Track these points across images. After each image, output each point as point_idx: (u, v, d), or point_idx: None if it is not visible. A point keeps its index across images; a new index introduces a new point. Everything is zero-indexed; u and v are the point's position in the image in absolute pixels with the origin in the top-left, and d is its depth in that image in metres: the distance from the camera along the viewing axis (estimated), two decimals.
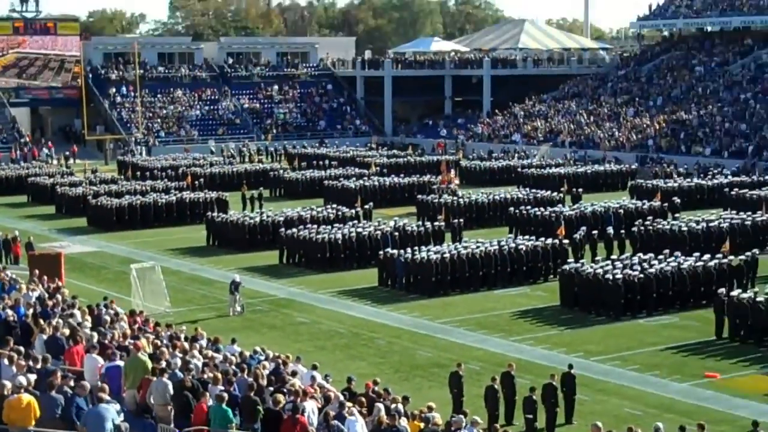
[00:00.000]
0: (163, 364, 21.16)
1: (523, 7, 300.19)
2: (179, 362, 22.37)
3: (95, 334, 24.25)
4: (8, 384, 17.75)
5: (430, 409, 21.30)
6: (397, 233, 46.51)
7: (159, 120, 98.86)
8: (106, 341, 23.64)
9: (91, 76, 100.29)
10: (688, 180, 65.59)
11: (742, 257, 39.70)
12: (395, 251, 42.18)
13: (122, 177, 73.08)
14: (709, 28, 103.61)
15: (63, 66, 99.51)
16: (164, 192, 61.58)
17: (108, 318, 27.56)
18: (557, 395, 25.31)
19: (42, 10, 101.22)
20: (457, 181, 66.66)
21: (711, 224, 47.04)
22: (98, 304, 29.99)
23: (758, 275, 39.98)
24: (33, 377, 18.78)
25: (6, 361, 19.92)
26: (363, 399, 22.00)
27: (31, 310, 26.89)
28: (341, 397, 21.05)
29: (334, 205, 55.60)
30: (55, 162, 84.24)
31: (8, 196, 69.50)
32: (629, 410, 26.09)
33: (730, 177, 66.48)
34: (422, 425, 20.13)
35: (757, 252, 41.37)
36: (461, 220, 51.49)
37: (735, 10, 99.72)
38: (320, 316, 37.30)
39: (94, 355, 21.80)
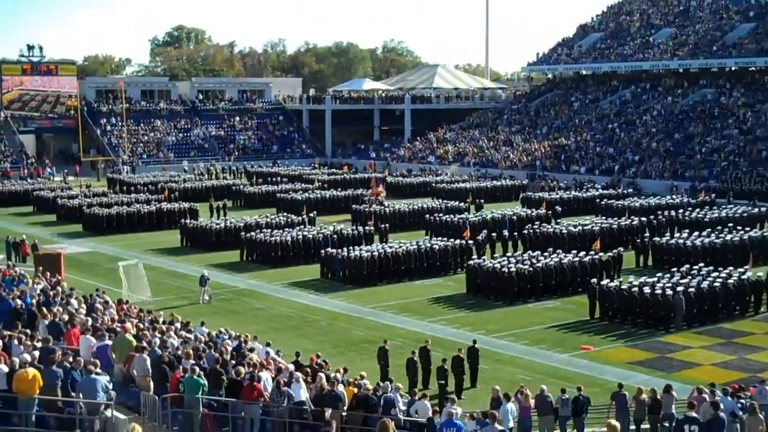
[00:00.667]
0: (144, 343, 21.04)
1: (436, 54, 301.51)
2: (158, 341, 22.25)
3: (89, 319, 24.10)
4: (17, 360, 17.61)
5: (362, 377, 21.36)
6: (335, 236, 46.53)
7: (141, 145, 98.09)
8: (98, 324, 23.44)
9: (86, 108, 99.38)
10: (568, 192, 66.23)
11: (610, 254, 40.23)
12: (334, 250, 42.24)
13: (111, 191, 72.47)
14: (584, 72, 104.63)
15: (58, 100, 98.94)
16: (146, 203, 61.14)
17: (99, 306, 27.31)
18: (464, 365, 25.51)
19: (45, 55, 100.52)
20: (384, 194, 66.76)
21: (585, 227, 47.55)
22: (91, 294, 29.79)
23: (622, 268, 40.49)
24: (37, 354, 18.59)
25: (16, 342, 19.80)
26: (308, 369, 21.97)
27: (35, 300, 26.58)
28: (291, 368, 21.02)
29: (285, 214, 55.54)
30: (56, 179, 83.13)
31: (17, 206, 68.59)
32: (521, 376, 26.30)
33: (600, 190, 67.25)
34: (356, 390, 20.13)
35: (622, 249, 42.02)
36: (387, 225, 51.59)
37: (604, 57, 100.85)
38: (273, 303, 37.20)
39: (88, 336, 21.65)
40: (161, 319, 26.53)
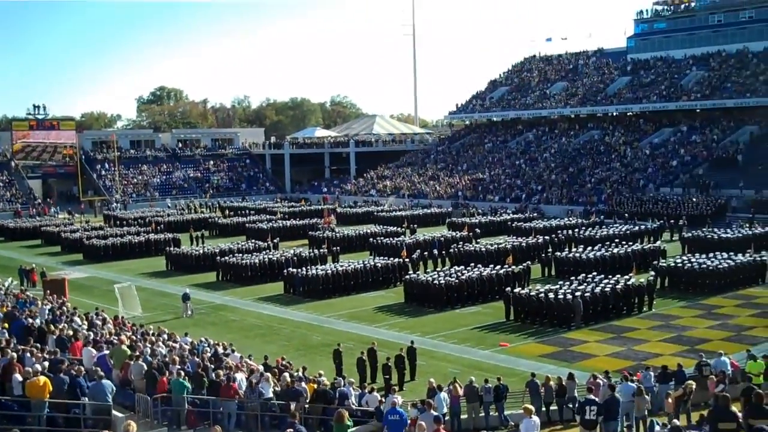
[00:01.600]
0: (138, 352, 20.75)
1: (374, 105, 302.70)
2: (149, 350, 21.94)
3: (90, 333, 23.70)
4: (30, 369, 17.33)
5: (320, 375, 21.26)
6: (295, 258, 46.27)
7: (131, 186, 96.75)
8: (98, 338, 23.07)
9: (84, 156, 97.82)
10: (485, 217, 66.69)
11: (521, 266, 40.45)
12: (295, 269, 41.96)
13: (107, 225, 71.28)
14: (495, 119, 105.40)
15: (56, 150, 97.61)
16: (136, 234, 60.27)
17: (98, 322, 26.93)
18: (404, 362, 25.41)
19: (49, 113, 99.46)
20: (334, 222, 66.67)
21: (500, 245, 47.87)
22: (91, 312, 29.30)
23: (531, 278, 40.76)
24: (47, 364, 18.26)
25: (28, 354, 19.43)
26: (275, 370, 21.81)
27: (44, 318, 26.10)
28: (261, 369, 20.85)
29: (253, 240, 55.16)
30: (60, 216, 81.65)
31: (27, 240, 67.24)
32: (452, 369, 26.19)
33: (511, 214, 67.86)
34: (316, 386, 20.01)
35: (530, 263, 42.27)
36: (338, 247, 51.51)
37: (511, 107, 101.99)
38: (245, 315, 36.78)
39: (89, 347, 21.29)
40: (151, 332, 26.19)
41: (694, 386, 19.93)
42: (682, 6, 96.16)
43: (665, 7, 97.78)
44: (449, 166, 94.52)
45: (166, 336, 25.57)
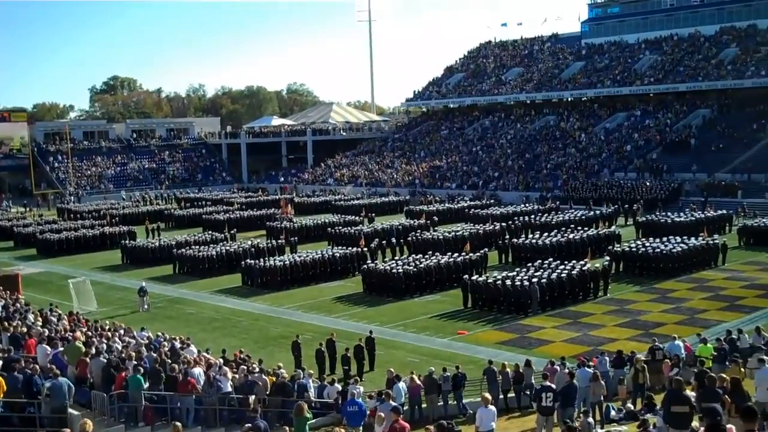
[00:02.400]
0: (93, 349, 20.55)
1: (331, 93, 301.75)
2: (105, 346, 21.74)
3: (45, 330, 23.39)
4: None
5: (279, 367, 21.24)
6: (253, 248, 46.06)
7: (85, 178, 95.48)
8: (52, 334, 22.79)
9: (36, 149, 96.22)
10: (442, 205, 66.92)
11: (478, 254, 40.64)
12: (252, 261, 41.78)
13: (60, 219, 70.25)
14: (452, 105, 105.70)
15: (2, 143, 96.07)
16: (90, 228, 59.36)
17: (53, 318, 26.60)
18: (363, 352, 25.47)
19: None
20: (292, 212, 66.44)
21: (457, 233, 48.07)
22: (46, 308, 28.93)
23: (488, 265, 40.98)
24: (0, 363, 18.01)
25: None
26: (233, 363, 21.76)
27: None
28: (219, 363, 20.77)
29: (210, 232, 54.76)
30: (12, 210, 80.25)
31: None
32: (411, 359, 26.37)
33: (468, 201, 68.13)
34: (275, 378, 20.01)
35: (487, 250, 42.50)
36: (296, 238, 51.34)
37: (467, 93, 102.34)
38: (202, 308, 36.50)
39: (44, 345, 21.03)
40: (107, 327, 25.95)
41: (643, 363, 20.29)
42: None
43: None
44: (406, 153, 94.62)
45: (122, 331, 25.35)
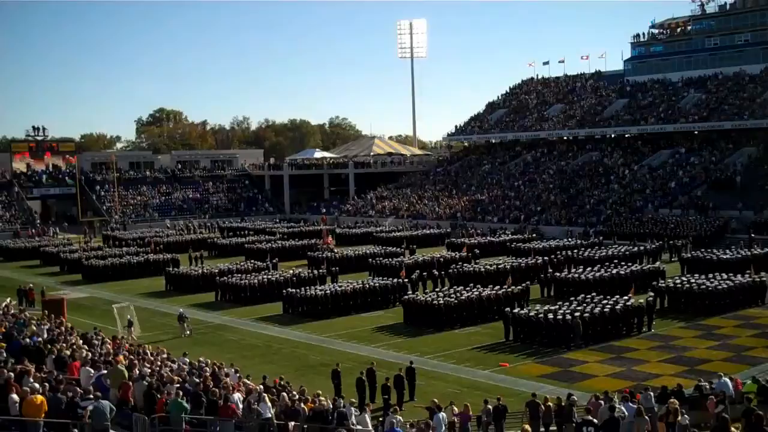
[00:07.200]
0: (136, 372, 20.59)
1: (373, 127, 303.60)
2: (147, 370, 21.76)
3: (88, 353, 23.49)
4: (28, 389, 17.16)
5: (318, 395, 21.04)
6: (294, 278, 46.13)
7: (131, 207, 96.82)
8: (96, 357, 22.88)
9: (83, 178, 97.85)
10: (484, 238, 66.61)
11: (520, 287, 40.25)
12: (294, 289, 41.81)
13: (106, 245, 71.24)
14: (493, 140, 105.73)
15: (55, 172, 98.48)
16: (135, 255, 60.21)
17: (97, 342, 26.73)
18: (403, 382, 25.21)
19: (48, 134, 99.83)
20: (333, 243, 66.53)
21: (499, 266, 47.75)
22: (90, 332, 29.12)
23: (530, 298, 40.53)
24: (45, 385, 18.10)
25: (26, 374, 19.21)
26: (273, 390, 21.62)
27: (42, 338, 25.90)
28: (259, 389, 20.66)
29: (252, 261, 55.02)
30: (59, 237, 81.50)
31: (27, 260, 67.35)
32: (451, 390, 26.07)
33: (510, 235, 67.76)
34: (314, 405, 19.82)
35: (529, 283, 42.08)
36: (337, 268, 51.32)
37: (509, 129, 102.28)
38: (244, 335, 36.60)
39: (87, 367, 21.09)
40: (149, 352, 26.00)
41: (677, 405, 19.73)
42: (678, 30, 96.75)
43: (661, 30, 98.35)
44: (448, 187, 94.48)
45: (165, 356, 25.39)
